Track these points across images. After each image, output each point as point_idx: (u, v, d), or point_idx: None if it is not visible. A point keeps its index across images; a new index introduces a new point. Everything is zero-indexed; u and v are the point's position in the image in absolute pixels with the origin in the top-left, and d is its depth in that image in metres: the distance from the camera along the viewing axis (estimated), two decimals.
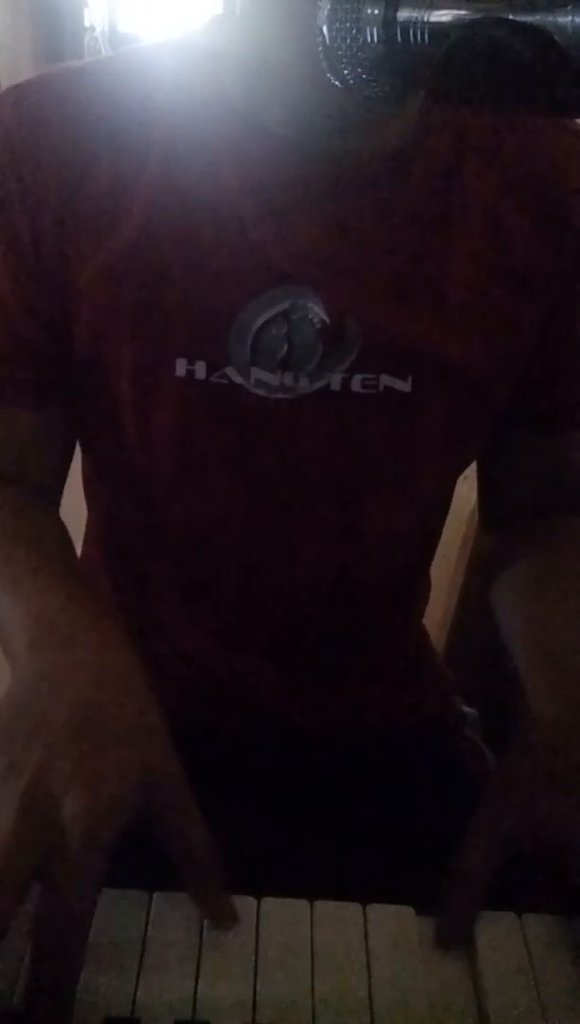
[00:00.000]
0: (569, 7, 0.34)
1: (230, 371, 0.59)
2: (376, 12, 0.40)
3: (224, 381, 0.59)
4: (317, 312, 0.58)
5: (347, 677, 0.77)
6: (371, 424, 0.62)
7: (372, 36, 0.41)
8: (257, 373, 0.59)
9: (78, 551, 0.76)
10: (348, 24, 0.42)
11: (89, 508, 0.77)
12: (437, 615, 1.10)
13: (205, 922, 0.48)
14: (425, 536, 0.78)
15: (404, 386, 0.61)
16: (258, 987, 0.45)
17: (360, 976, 0.46)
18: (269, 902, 0.49)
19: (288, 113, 0.55)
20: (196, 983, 0.45)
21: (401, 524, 0.70)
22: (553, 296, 0.63)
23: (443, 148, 0.59)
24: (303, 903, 0.49)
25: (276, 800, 0.69)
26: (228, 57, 0.57)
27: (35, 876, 0.42)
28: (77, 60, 0.62)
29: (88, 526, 0.80)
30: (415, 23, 0.39)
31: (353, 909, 0.49)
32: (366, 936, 0.48)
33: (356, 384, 0.60)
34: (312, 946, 0.47)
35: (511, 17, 0.36)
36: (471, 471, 0.77)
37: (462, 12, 0.37)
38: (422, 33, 0.39)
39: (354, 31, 0.42)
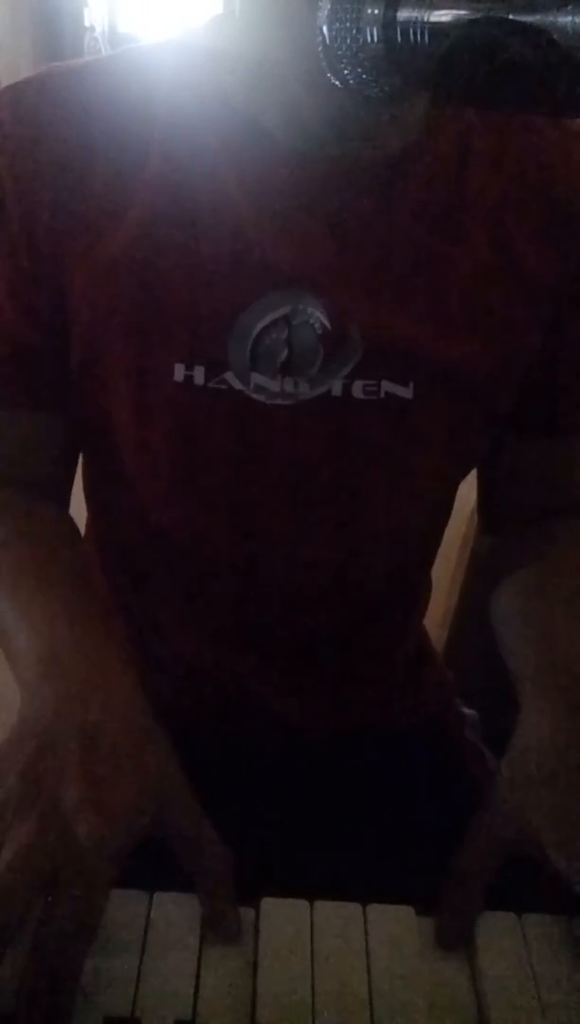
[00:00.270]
0: (569, 7, 0.34)
1: (229, 376, 0.59)
2: (376, 12, 0.40)
3: (223, 386, 0.59)
4: (318, 317, 0.58)
5: (347, 678, 0.77)
6: (372, 430, 0.62)
7: (372, 36, 0.41)
8: (257, 379, 0.59)
9: None
10: (348, 24, 0.42)
11: (88, 508, 0.77)
12: (437, 615, 1.10)
13: (203, 923, 0.48)
14: (426, 539, 0.78)
15: (406, 392, 0.60)
16: (258, 987, 0.45)
17: (360, 976, 0.46)
18: (269, 902, 0.49)
19: (288, 115, 0.55)
20: (196, 983, 0.45)
21: (402, 528, 0.70)
22: (556, 299, 0.62)
23: (445, 151, 0.58)
24: (303, 903, 0.49)
25: (276, 800, 0.69)
26: (228, 57, 0.57)
27: (46, 886, 0.43)
28: (76, 59, 0.62)
29: (87, 526, 0.80)
30: (415, 23, 0.39)
31: (353, 909, 0.49)
32: (366, 936, 0.48)
33: (357, 390, 0.60)
34: (312, 946, 0.47)
35: (511, 17, 0.36)
36: (471, 472, 0.76)
37: (462, 12, 0.37)
38: (422, 33, 0.39)
39: (354, 31, 0.42)
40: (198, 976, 0.45)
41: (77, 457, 0.72)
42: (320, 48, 0.43)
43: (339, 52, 0.43)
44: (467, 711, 0.86)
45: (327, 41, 0.43)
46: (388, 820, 0.69)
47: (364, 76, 0.43)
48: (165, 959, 0.46)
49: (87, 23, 3.50)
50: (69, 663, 0.53)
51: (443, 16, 0.38)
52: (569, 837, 0.49)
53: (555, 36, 0.35)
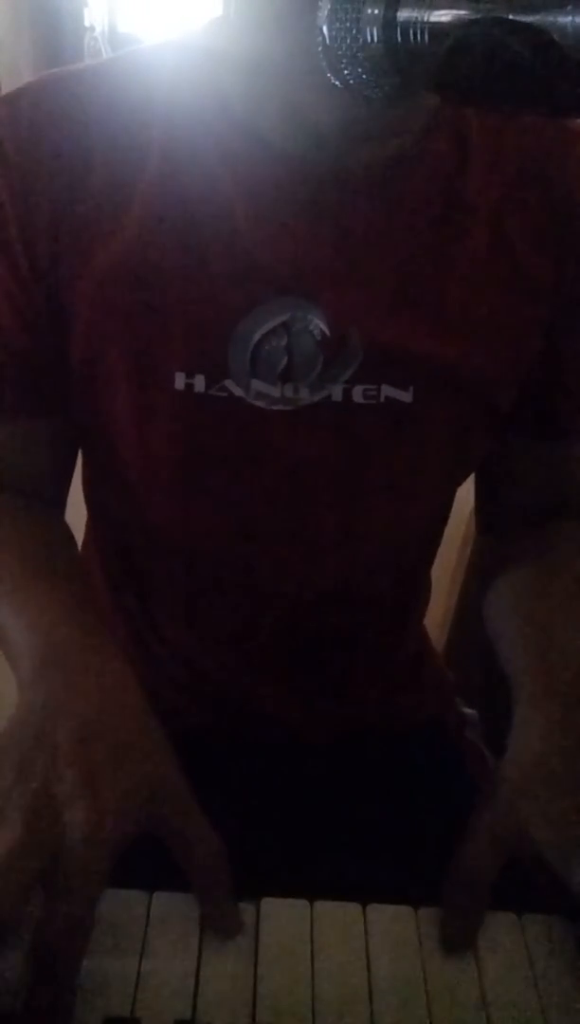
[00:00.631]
0: (569, 7, 0.34)
1: (229, 383, 0.58)
2: (376, 12, 0.40)
3: (223, 394, 0.59)
4: (317, 323, 0.58)
5: (347, 679, 0.77)
6: (373, 434, 0.62)
7: (372, 36, 0.41)
8: (257, 385, 0.59)
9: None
10: (348, 24, 0.42)
11: (88, 511, 0.77)
12: (437, 615, 1.10)
13: (203, 920, 0.48)
14: (426, 540, 0.78)
15: (405, 396, 0.60)
16: (258, 987, 0.45)
17: (360, 976, 0.46)
18: (269, 902, 0.49)
19: (286, 118, 0.54)
20: (196, 983, 0.45)
21: (402, 531, 0.70)
22: (556, 300, 0.62)
23: (444, 152, 0.58)
24: (303, 903, 0.49)
25: (276, 801, 0.69)
26: (226, 59, 0.56)
27: (39, 880, 0.43)
28: (74, 64, 0.61)
29: (87, 529, 0.80)
30: (415, 23, 0.39)
31: (353, 909, 0.49)
32: (366, 936, 0.48)
33: (357, 395, 0.60)
34: (312, 946, 0.47)
35: (511, 17, 0.35)
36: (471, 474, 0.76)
37: (462, 12, 0.37)
38: (422, 33, 0.39)
39: (354, 31, 0.42)
40: (198, 976, 0.45)
41: (74, 463, 0.72)
42: (320, 48, 0.43)
43: (339, 52, 0.43)
44: (467, 711, 0.86)
45: (327, 41, 0.43)
46: (388, 820, 0.69)
47: (364, 76, 0.43)
48: (165, 959, 0.46)
49: (87, 23, 3.49)
50: (67, 659, 0.53)
51: (443, 16, 0.38)
52: (567, 838, 0.49)
53: (555, 36, 0.34)
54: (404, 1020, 0.44)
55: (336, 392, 0.59)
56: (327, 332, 0.58)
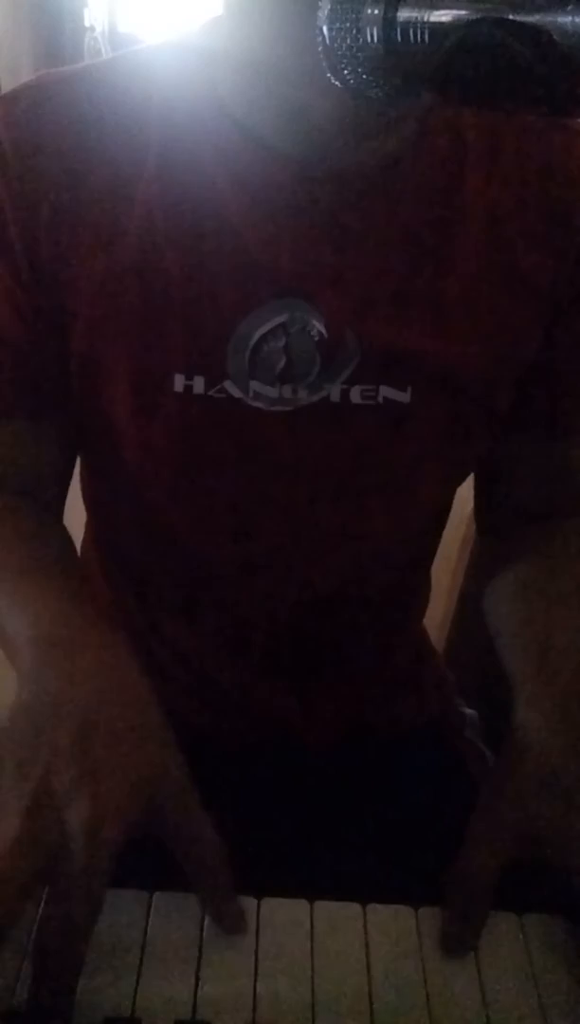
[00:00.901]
0: (569, 7, 0.34)
1: (229, 385, 0.59)
2: (376, 12, 0.40)
3: (222, 395, 0.59)
4: (315, 324, 0.58)
5: (347, 679, 0.77)
6: (371, 434, 0.62)
7: (372, 36, 0.41)
8: (256, 386, 0.59)
9: (78, 553, 0.76)
10: (348, 24, 0.42)
11: (88, 512, 0.77)
12: (437, 615, 1.10)
13: (205, 922, 0.48)
14: (425, 541, 0.78)
15: (403, 397, 0.60)
16: (258, 987, 0.45)
17: (360, 976, 0.46)
18: (269, 902, 0.49)
19: (284, 118, 0.54)
20: (196, 983, 0.45)
21: (401, 531, 0.70)
22: (555, 299, 0.62)
23: (442, 152, 0.58)
24: (303, 903, 0.49)
25: (276, 801, 0.69)
26: (224, 59, 0.56)
27: (41, 878, 0.42)
28: (72, 65, 0.61)
29: (87, 529, 0.80)
30: (415, 23, 0.39)
31: (353, 909, 0.49)
32: (366, 936, 0.48)
33: (355, 395, 0.60)
34: (312, 946, 0.47)
35: (511, 17, 0.35)
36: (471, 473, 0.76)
37: (462, 12, 0.37)
38: (422, 33, 0.39)
39: (354, 31, 0.41)
40: (198, 976, 0.45)
41: (74, 464, 0.72)
42: (320, 48, 0.43)
43: (339, 52, 0.43)
44: (467, 711, 0.86)
45: (327, 41, 0.43)
46: (388, 820, 0.69)
47: (364, 76, 0.43)
48: (165, 959, 0.46)
49: (87, 23, 3.49)
50: (69, 649, 0.52)
51: (443, 16, 0.38)
52: (567, 837, 0.49)
53: (555, 36, 0.34)
54: (404, 1020, 0.45)
55: (334, 393, 0.59)
56: (325, 333, 0.58)
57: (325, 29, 0.42)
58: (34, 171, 0.57)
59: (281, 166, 0.55)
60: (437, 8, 0.38)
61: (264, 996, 0.45)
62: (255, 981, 0.45)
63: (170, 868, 0.48)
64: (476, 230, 0.59)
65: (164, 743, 0.49)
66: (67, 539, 0.70)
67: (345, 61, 0.43)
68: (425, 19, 0.39)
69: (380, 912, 0.49)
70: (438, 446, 0.64)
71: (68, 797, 0.44)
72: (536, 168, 0.60)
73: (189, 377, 0.58)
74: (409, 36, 0.39)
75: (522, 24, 0.35)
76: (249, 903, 0.49)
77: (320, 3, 0.42)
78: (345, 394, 0.60)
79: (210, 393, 0.59)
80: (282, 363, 0.58)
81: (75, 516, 0.75)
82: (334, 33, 0.42)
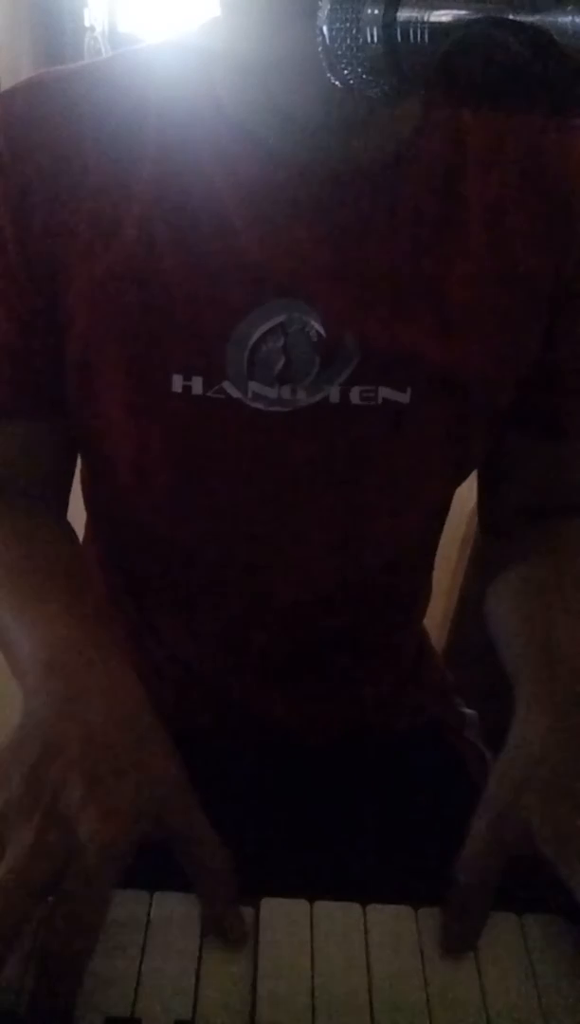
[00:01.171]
0: (569, 7, 0.34)
1: (227, 385, 0.58)
2: (376, 12, 0.40)
3: (221, 396, 0.59)
4: (314, 325, 0.58)
5: (347, 679, 0.77)
6: (370, 435, 0.62)
7: (372, 36, 0.41)
8: (255, 387, 0.59)
9: None
10: (348, 24, 0.42)
11: (87, 512, 0.77)
12: (437, 615, 1.10)
13: (204, 926, 0.48)
14: (425, 542, 0.78)
15: (403, 397, 0.60)
16: (258, 987, 0.45)
17: (360, 976, 0.46)
18: (269, 902, 0.49)
19: (282, 118, 0.54)
20: (196, 983, 0.45)
21: (401, 532, 0.70)
22: (556, 297, 0.62)
23: (442, 151, 0.58)
24: (303, 903, 0.49)
25: (276, 801, 0.69)
26: (223, 59, 0.56)
27: (51, 885, 0.43)
28: (70, 63, 0.61)
29: (86, 529, 0.80)
30: (415, 23, 0.39)
31: (353, 909, 0.49)
32: (366, 936, 0.48)
33: (355, 396, 0.60)
34: (312, 946, 0.47)
35: (511, 17, 0.35)
36: (471, 473, 0.76)
37: (462, 12, 0.37)
38: (422, 33, 0.39)
39: (354, 31, 0.41)
40: (198, 976, 0.45)
41: (74, 464, 0.72)
42: (320, 48, 0.43)
43: (339, 52, 0.42)
44: (467, 711, 0.86)
45: (327, 41, 0.43)
46: (388, 820, 0.69)
47: (364, 76, 0.43)
48: (165, 959, 0.46)
49: (87, 23, 3.49)
50: (70, 664, 0.53)
51: (443, 16, 0.38)
52: (568, 837, 0.49)
53: (555, 36, 0.34)
54: (404, 1020, 0.44)
55: (333, 393, 0.59)
56: (324, 333, 0.58)
57: (325, 29, 0.42)
58: (30, 171, 0.56)
59: (279, 166, 0.55)
60: (437, 8, 0.38)
61: (264, 996, 0.45)
62: (255, 981, 0.45)
63: (170, 868, 0.48)
64: (476, 230, 0.59)
65: (165, 751, 0.50)
66: (73, 540, 0.70)
67: (345, 61, 0.43)
68: (425, 19, 0.39)
69: (380, 912, 0.49)
70: (438, 446, 0.64)
71: (78, 808, 0.45)
72: (536, 168, 0.60)
73: (187, 378, 0.58)
74: (409, 36, 0.39)
75: (522, 24, 0.35)
76: (248, 911, 0.49)
77: (320, 3, 0.42)
78: (344, 395, 0.59)
79: (209, 394, 0.59)
80: (281, 364, 0.58)
81: (75, 516, 0.75)
82: (334, 33, 0.42)
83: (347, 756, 0.75)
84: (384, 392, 0.60)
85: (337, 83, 0.44)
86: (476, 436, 0.66)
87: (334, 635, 0.74)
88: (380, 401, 0.60)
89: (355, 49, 0.42)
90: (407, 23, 0.39)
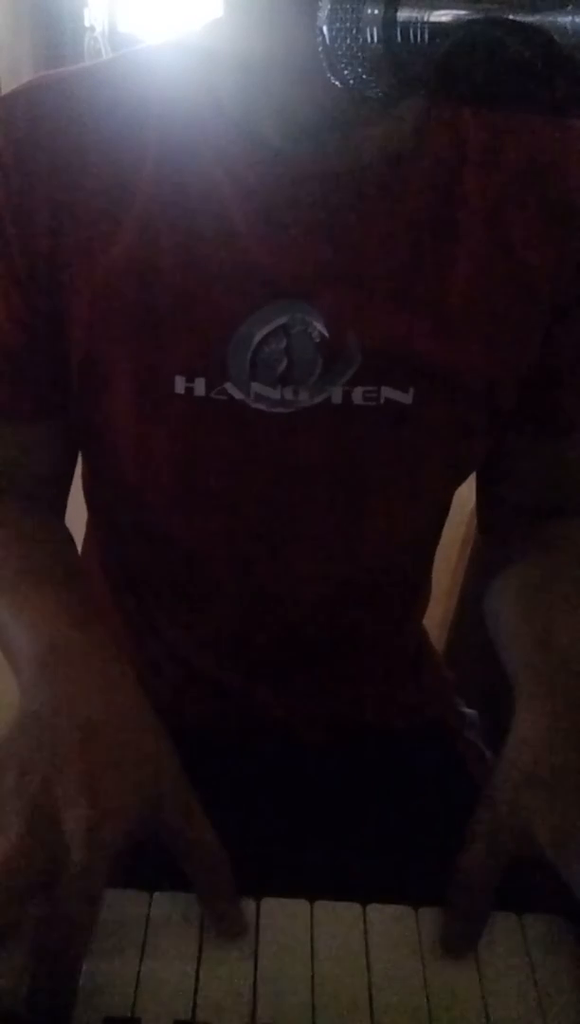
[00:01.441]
0: (569, 7, 0.34)
1: (230, 387, 0.59)
2: (376, 12, 0.40)
3: (223, 397, 0.59)
4: (316, 326, 0.58)
5: (347, 678, 0.77)
6: (373, 436, 0.62)
7: (372, 36, 0.41)
8: (257, 388, 0.59)
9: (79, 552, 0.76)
10: (348, 24, 0.42)
11: (89, 512, 0.77)
12: (437, 615, 1.10)
13: (205, 922, 0.48)
14: (425, 542, 0.78)
15: (405, 398, 0.60)
16: (258, 987, 0.45)
17: (360, 976, 0.46)
18: (269, 902, 0.49)
19: (283, 118, 0.54)
20: (196, 983, 0.45)
21: (402, 532, 0.70)
22: (557, 297, 0.62)
23: (442, 151, 0.58)
24: (303, 903, 0.49)
25: (276, 801, 0.69)
26: (224, 60, 0.56)
27: (42, 880, 0.43)
28: (71, 64, 0.61)
29: (87, 529, 0.80)
30: (415, 23, 0.39)
31: (353, 909, 0.49)
32: (366, 936, 0.48)
33: (357, 397, 0.60)
34: (312, 946, 0.47)
35: (511, 17, 0.36)
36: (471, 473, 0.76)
37: (462, 12, 0.37)
38: (422, 33, 0.39)
39: (354, 31, 0.41)
40: (198, 976, 0.45)
41: (74, 465, 0.72)
42: (320, 48, 0.43)
43: (339, 52, 0.43)
44: (467, 711, 0.86)
45: (327, 41, 0.43)
46: (388, 820, 0.69)
47: (364, 76, 0.43)
48: (165, 959, 0.46)
49: (87, 23, 3.49)
50: (68, 660, 0.53)
51: (443, 16, 0.38)
52: (568, 837, 0.49)
53: (555, 36, 0.34)
54: (404, 1020, 0.44)
55: (336, 394, 0.59)
56: (326, 334, 0.58)
57: (325, 29, 0.43)
58: (32, 172, 0.56)
59: (280, 166, 0.55)
60: (437, 8, 0.38)
61: (264, 996, 0.45)
62: (255, 981, 0.45)
63: (170, 868, 0.48)
64: (477, 230, 0.59)
65: (164, 749, 0.50)
66: (70, 542, 0.70)
67: (345, 61, 0.43)
68: (425, 19, 0.39)
69: (380, 912, 0.49)
70: (440, 446, 0.64)
71: (68, 801, 0.45)
72: (536, 168, 0.60)
73: (190, 379, 0.58)
74: (409, 36, 0.39)
75: (522, 24, 0.35)
76: (249, 903, 0.49)
77: (320, 3, 0.42)
78: (347, 395, 0.59)
79: (211, 395, 0.59)
80: (283, 365, 0.58)
81: (75, 516, 0.75)
82: (334, 33, 0.42)
83: (347, 756, 0.75)
84: (387, 392, 0.60)
85: (337, 83, 0.44)
86: (478, 436, 0.66)
87: (334, 634, 0.74)
88: (382, 401, 0.60)
89: (355, 49, 0.42)
90: (407, 23, 0.39)
